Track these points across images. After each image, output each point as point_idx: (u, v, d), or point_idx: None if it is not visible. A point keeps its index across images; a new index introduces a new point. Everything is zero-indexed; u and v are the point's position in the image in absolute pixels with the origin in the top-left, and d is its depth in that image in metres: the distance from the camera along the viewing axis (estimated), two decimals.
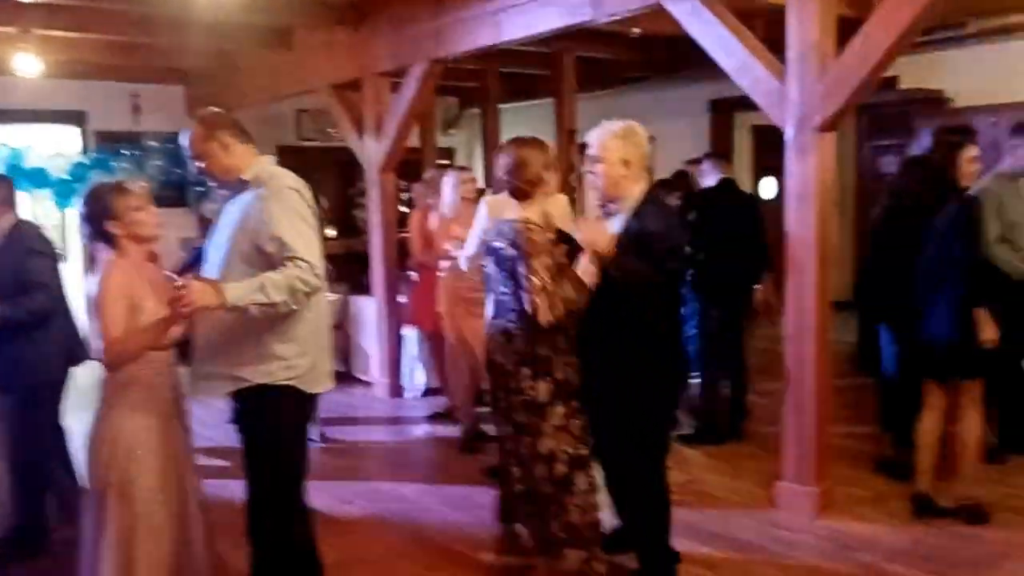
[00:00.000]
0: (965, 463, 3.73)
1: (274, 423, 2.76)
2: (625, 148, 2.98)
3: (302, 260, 2.59)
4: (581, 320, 3.03)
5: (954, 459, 3.80)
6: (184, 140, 2.85)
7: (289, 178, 2.79)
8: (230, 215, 2.79)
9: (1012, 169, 4.38)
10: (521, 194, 3.11)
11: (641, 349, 2.95)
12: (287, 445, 2.81)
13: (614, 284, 2.90)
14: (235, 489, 3.02)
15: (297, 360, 2.74)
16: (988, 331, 3.50)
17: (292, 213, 2.68)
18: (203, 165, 2.81)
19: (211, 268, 2.79)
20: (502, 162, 3.16)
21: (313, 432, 5.34)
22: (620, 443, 3.07)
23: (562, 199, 4.27)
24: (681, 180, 5.70)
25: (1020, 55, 6.23)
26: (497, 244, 3.12)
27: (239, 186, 2.80)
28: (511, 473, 3.20)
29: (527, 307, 2.97)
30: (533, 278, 2.94)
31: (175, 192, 7.54)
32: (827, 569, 3.42)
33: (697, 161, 6.30)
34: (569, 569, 3.11)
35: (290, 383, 2.74)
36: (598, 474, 3.18)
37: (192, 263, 3.56)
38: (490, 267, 3.19)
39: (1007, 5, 5.63)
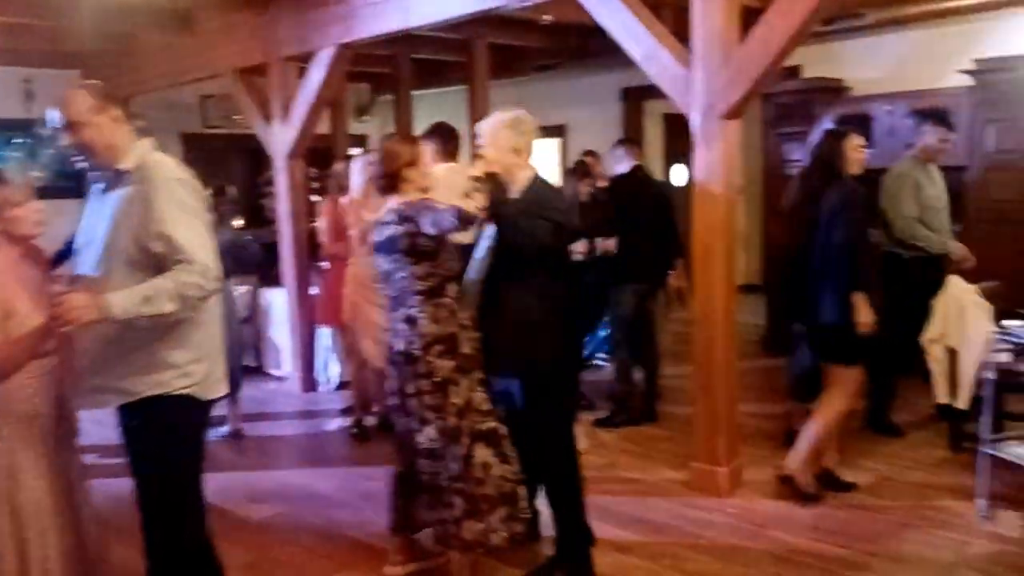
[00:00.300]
0: (814, 441, 3.81)
1: (169, 434, 2.57)
2: (515, 137, 3.08)
3: (195, 262, 2.38)
4: (482, 289, 3.14)
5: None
6: (63, 107, 2.49)
7: (175, 168, 2.55)
8: (105, 209, 2.52)
9: (923, 152, 4.62)
10: (387, 188, 3.17)
11: (536, 310, 3.05)
12: (181, 456, 2.62)
13: (508, 250, 3.04)
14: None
15: (192, 367, 2.55)
16: (863, 315, 3.59)
17: (182, 208, 2.44)
18: (83, 138, 2.49)
19: (84, 269, 2.56)
20: (372, 158, 3.21)
21: (225, 430, 5.21)
22: (527, 410, 3.14)
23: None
24: (581, 169, 5.74)
25: (915, 45, 6.49)
26: (387, 231, 3.11)
27: (116, 176, 2.53)
28: (415, 471, 3.19)
29: (445, 219, 2.94)
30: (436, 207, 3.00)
31: (71, 182, 7.19)
32: (739, 547, 3.50)
33: (593, 153, 6.38)
34: (480, 541, 3.10)
35: (186, 392, 2.54)
36: (507, 443, 3.18)
37: (63, 255, 3.28)
38: (381, 260, 3.18)
39: None
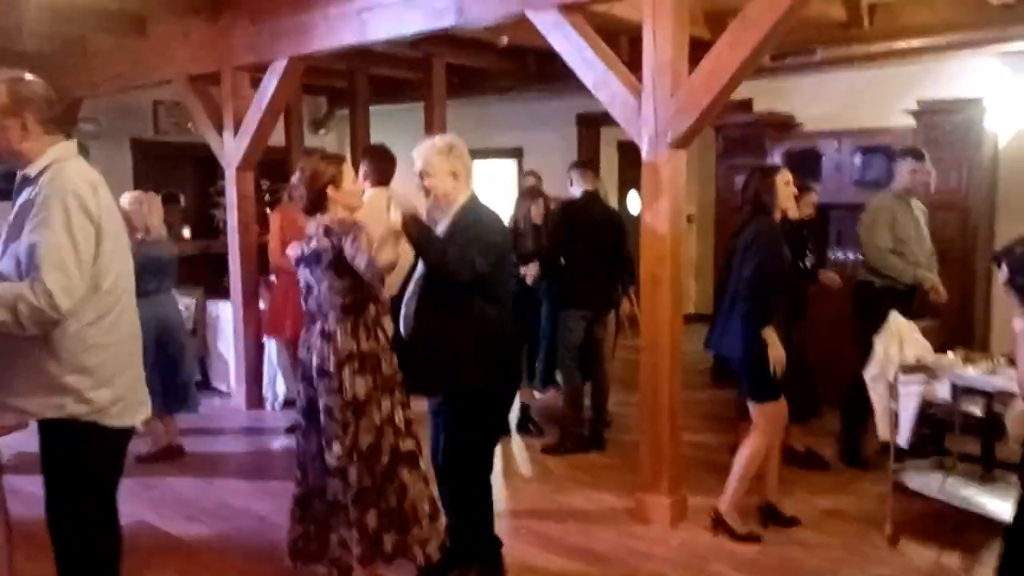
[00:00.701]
0: (739, 479, 3.79)
1: (73, 460, 2.46)
2: (451, 161, 3.12)
3: (39, 282, 2.22)
4: (416, 308, 3.13)
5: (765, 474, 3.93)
6: None
7: (79, 180, 2.38)
8: (11, 213, 2.41)
9: (904, 187, 4.80)
10: (311, 207, 3.17)
11: (468, 334, 3.05)
12: (88, 482, 2.51)
13: (436, 276, 3.06)
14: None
15: (93, 393, 2.40)
16: (773, 350, 3.61)
17: (64, 225, 2.28)
18: None
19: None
20: (294, 178, 3.25)
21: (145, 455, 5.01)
22: (449, 430, 3.16)
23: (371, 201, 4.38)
24: (533, 191, 5.75)
25: (862, 84, 6.64)
26: (312, 244, 3.13)
27: (23, 180, 2.42)
28: (315, 492, 3.18)
29: (361, 262, 2.98)
30: (360, 239, 3.02)
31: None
32: None
33: (534, 174, 6.39)
34: (401, 552, 3.14)
35: (88, 419, 2.41)
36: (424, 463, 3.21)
37: None
38: (304, 273, 3.17)
39: (850, 36, 5.97)
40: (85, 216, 2.34)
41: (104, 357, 2.44)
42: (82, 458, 2.47)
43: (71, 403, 2.39)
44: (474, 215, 3.12)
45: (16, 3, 5.44)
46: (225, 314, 6.51)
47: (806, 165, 6.26)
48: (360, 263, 2.98)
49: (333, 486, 3.09)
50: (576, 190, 5.24)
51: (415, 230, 2.98)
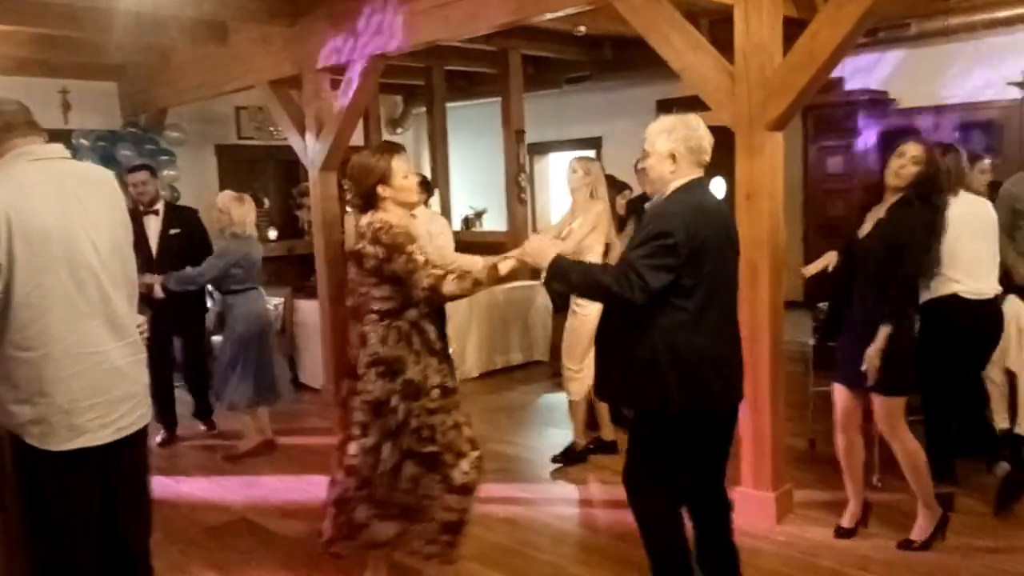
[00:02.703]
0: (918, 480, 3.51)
1: (23, 475, 2.33)
2: (672, 142, 2.76)
3: None
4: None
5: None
6: None
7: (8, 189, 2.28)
8: None
9: None
10: (363, 207, 3.05)
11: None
12: (41, 504, 2.36)
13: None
14: None
15: (15, 407, 2.27)
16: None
17: None
18: None
19: None
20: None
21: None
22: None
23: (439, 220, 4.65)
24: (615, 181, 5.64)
25: (959, 57, 6.31)
26: (358, 245, 3.03)
27: None
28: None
29: (423, 282, 2.89)
30: (416, 259, 2.91)
31: None
32: None
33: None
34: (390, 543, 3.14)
35: (20, 434, 2.29)
36: (459, 473, 3.10)
37: None
38: (351, 268, 3.12)
39: (947, 7, 5.69)
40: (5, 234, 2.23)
41: (25, 373, 2.28)
42: (28, 473, 2.35)
43: (4, 415, 2.31)
44: (663, 206, 2.74)
45: (109, 17, 5.62)
46: (312, 312, 6.60)
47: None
48: (422, 282, 2.89)
49: (345, 482, 3.10)
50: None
51: (561, 281, 2.78)
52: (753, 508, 3.87)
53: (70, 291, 2.31)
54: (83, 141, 7.41)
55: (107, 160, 7.27)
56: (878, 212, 3.46)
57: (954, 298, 3.73)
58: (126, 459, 2.53)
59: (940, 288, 3.74)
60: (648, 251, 2.58)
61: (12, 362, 2.28)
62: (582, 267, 2.86)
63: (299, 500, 4.44)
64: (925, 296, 3.72)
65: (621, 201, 5.39)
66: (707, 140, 2.77)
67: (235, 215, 4.95)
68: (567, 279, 2.76)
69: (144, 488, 2.71)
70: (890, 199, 3.43)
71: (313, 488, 4.60)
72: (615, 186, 5.55)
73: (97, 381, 2.35)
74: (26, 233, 2.26)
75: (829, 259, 3.86)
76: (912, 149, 3.39)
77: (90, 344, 2.35)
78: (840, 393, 3.52)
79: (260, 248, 5.25)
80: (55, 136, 7.99)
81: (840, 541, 3.62)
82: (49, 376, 2.28)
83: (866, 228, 3.47)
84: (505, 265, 2.95)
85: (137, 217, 5.33)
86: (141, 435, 2.59)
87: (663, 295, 2.60)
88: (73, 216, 2.36)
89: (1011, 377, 3.85)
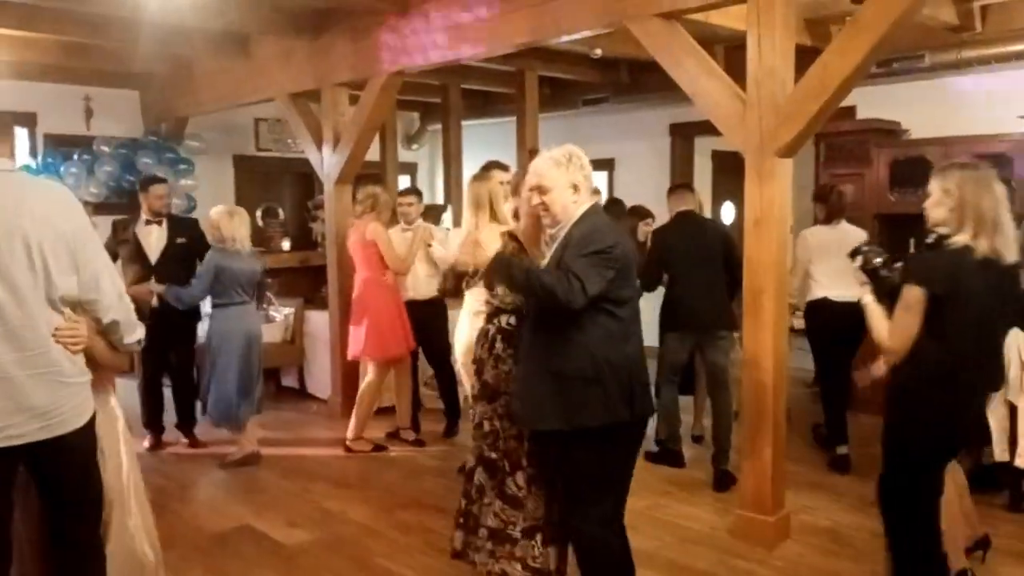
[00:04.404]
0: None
1: None
2: (571, 173, 2.84)
3: None
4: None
5: None
6: None
7: None
8: None
9: None
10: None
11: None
12: None
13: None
14: None
15: None
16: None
17: None
18: None
19: None
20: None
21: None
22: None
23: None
24: (640, 211, 5.68)
25: (973, 88, 6.34)
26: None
27: None
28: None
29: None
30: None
31: (127, 199, 7.33)
32: None
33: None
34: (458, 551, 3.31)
35: None
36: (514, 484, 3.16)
37: None
38: None
39: (961, 40, 5.73)
40: None
41: None
42: None
43: None
44: (590, 226, 2.80)
45: (133, 26, 5.73)
46: (322, 323, 6.66)
47: (913, 174, 5.99)
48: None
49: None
50: (669, 213, 5.10)
51: (503, 277, 2.85)
52: (750, 532, 3.89)
53: None
54: (104, 148, 7.50)
55: (127, 168, 7.37)
56: None
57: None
58: (47, 465, 2.51)
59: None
60: (590, 261, 2.67)
61: None
62: (524, 265, 2.85)
63: (304, 510, 4.46)
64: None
65: (645, 229, 5.39)
66: (590, 168, 2.92)
67: (224, 229, 5.01)
68: (509, 275, 2.82)
69: (74, 491, 2.60)
70: None
71: (318, 498, 4.65)
72: (638, 214, 5.57)
73: None
74: None
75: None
76: None
77: None
78: None
79: (256, 263, 5.25)
80: (77, 141, 8.10)
81: (836, 564, 3.62)
82: None
83: None
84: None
85: (129, 227, 5.52)
86: (51, 448, 2.46)
87: (596, 305, 2.69)
88: None
89: (1012, 409, 3.85)
